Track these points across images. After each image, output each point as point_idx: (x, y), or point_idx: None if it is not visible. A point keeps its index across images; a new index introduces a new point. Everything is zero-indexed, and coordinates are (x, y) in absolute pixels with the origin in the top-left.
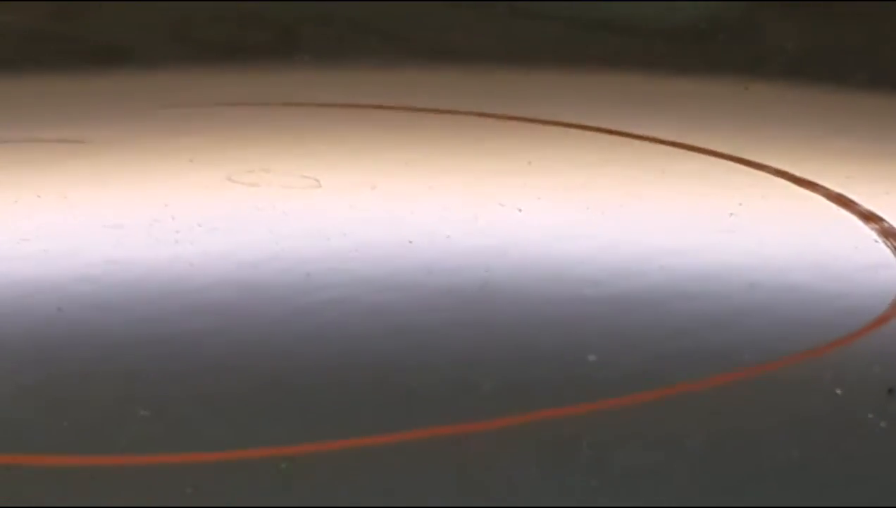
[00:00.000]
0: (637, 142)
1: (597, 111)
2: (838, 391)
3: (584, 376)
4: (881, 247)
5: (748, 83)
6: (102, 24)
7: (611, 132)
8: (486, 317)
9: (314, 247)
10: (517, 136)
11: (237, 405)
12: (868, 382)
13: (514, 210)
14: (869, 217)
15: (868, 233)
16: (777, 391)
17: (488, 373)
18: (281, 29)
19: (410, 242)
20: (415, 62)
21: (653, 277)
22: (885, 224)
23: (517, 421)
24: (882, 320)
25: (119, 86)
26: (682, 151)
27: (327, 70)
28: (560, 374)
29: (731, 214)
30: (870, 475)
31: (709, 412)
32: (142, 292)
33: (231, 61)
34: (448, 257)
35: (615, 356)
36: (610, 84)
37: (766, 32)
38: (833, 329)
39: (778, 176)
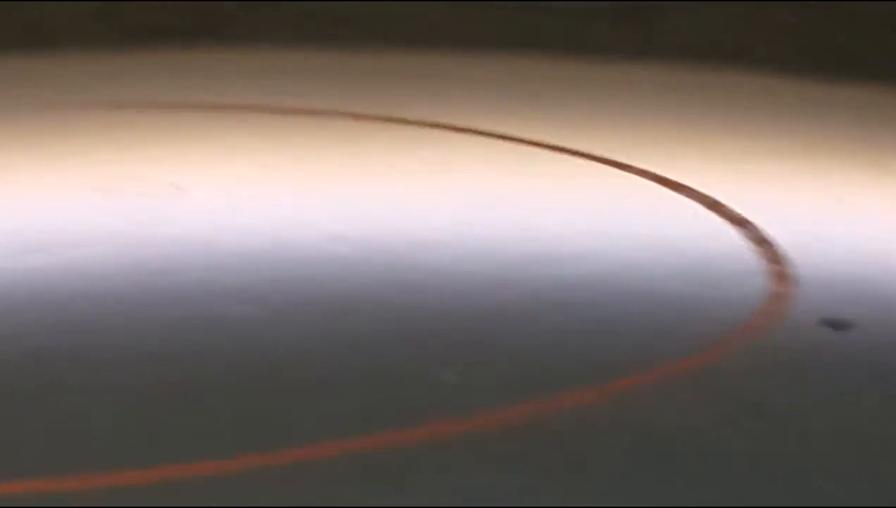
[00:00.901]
0: (506, 143)
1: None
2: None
3: (439, 394)
4: (749, 253)
5: None
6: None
7: (481, 133)
8: (339, 332)
9: (169, 258)
10: (381, 137)
11: (68, 427)
12: (725, 395)
13: (372, 218)
14: (740, 222)
15: (737, 239)
16: (628, 407)
17: (340, 393)
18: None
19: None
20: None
21: (515, 288)
22: (755, 229)
23: (361, 445)
24: (746, 330)
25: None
26: (548, 153)
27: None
28: (408, 391)
29: (597, 218)
30: (720, 493)
31: (563, 431)
32: None
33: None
34: (302, 266)
35: (471, 372)
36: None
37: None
38: (695, 340)
39: (650, 179)
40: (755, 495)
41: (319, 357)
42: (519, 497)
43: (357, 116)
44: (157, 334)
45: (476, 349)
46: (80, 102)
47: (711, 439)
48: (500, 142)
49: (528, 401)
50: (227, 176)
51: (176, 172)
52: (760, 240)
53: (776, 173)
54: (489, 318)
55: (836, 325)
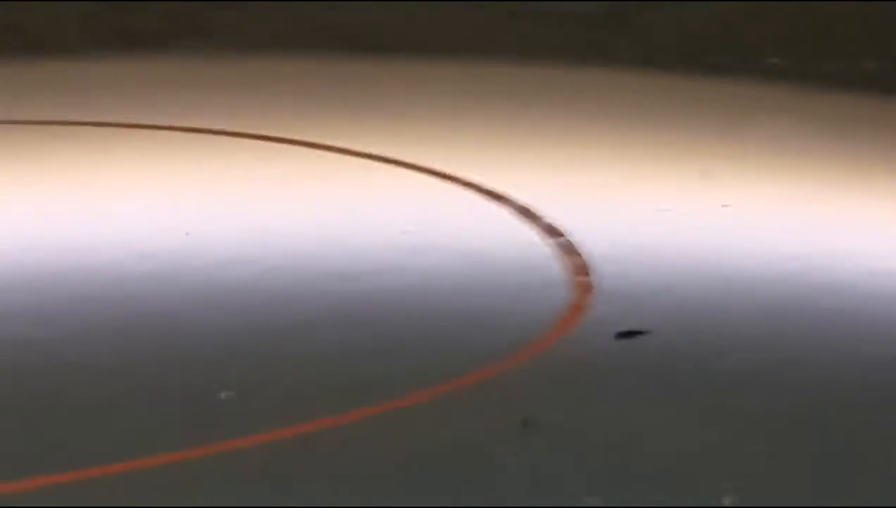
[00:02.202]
0: (323, 154)
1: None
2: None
3: (216, 415)
4: (554, 264)
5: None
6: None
7: (295, 142)
8: (129, 352)
9: None
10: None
11: None
12: (504, 411)
13: (181, 234)
14: (550, 232)
15: (545, 250)
16: (408, 425)
17: (122, 414)
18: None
19: None
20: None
21: (311, 303)
22: (564, 239)
23: (142, 464)
24: (535, 344)
25: None
26: (369, 163)
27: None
28: (189, 413)
29: (405, 232)
30: None
31: (333, 448)
32: None
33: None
34: (107, 285)
35: (253, 392)
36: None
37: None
38: (484, 355)
39: (467, 188)
40: None
41: (104, 378)
42: None
43: (188, 130)
44: None
45: (257, 368)
46: None
47: (483, 455)
48: (314, 151)
49: (305, 419)
50: (41, 193)
51: None
52: (568, 250)
53: (597, 182)
54: (276, 335)
55: (629, 336)
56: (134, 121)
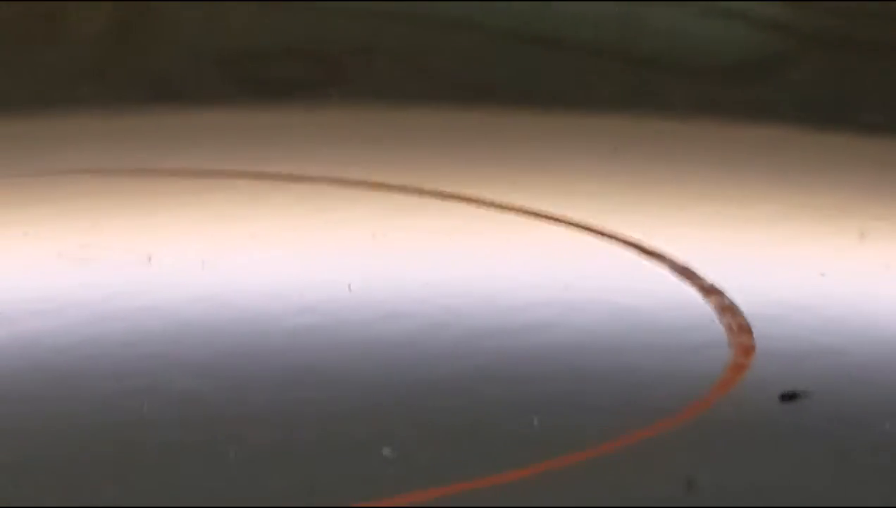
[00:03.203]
0: (485, 210)
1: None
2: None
3: (377, 471)
4: (715, 324)
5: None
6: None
7: (460, 198)
8: (293, 407)
9: (132, 331)
10: (369, 203)
11: (25, 499)
12: (668, 475)
13: (344, 287)
14: (710, 291)
15: (705, 309)
16: (572, 485)
17: (278, 468)
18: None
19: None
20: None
21: (469, 360)
22: (725, 299)
23: None
24: (698, 405)
25: None
26: (529, 220)
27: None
28: (355, 468)
29: (565, 288)
30: None
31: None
32: None
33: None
34: (269, 338)
35: (414, 449)
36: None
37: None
38: (647, 416)
39: (626, 246)
40: None
41: (261, 432)
42: None
43: (343, 182)
44: (101, 407)
45: (418, 424)
46: (61, 167)
47: None
48: (477, 208)
49: (464, 478)
50: (207, 246)
51: (155, 243)
52: (728, 309)
53: (754, 240)
54: (435, 391)
55: (792, 398)
56: (283, 171)
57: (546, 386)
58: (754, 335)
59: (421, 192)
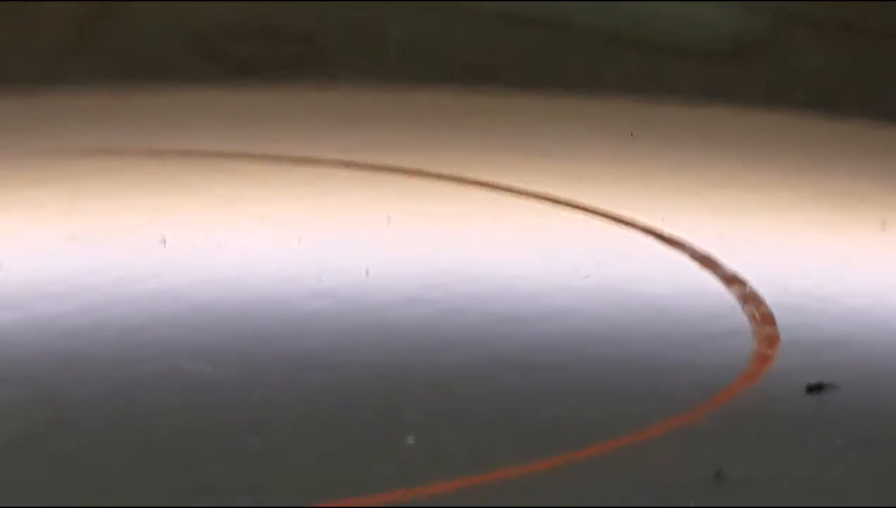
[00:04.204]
0: (502, 196)
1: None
2: None
3: (400, 459)
4: (738, 313)
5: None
6: None
7: (477, 183)
8: (305, 394)
9: (143, 314)
10: (381, 187)
11: (32, 485)
12: (695, 465)
13: (361, 271)
14: (731, 280)
15: (727, 298)
16: (595, 476)
17: (300, 457)
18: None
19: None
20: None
21: (490, 347)
22: (747, 288)
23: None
24: (723, 395)
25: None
26: (547, 207)
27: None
28: (373, 457)
29: (586, 276)
30: None
31: (523, 500)
32: None
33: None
34: (284, 323)
35: (433, 437)
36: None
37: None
38: (670, 406)
39: (646, 233)
40: None
41: (279, 419)
42: None
43: (355, 165)
44: (113, 393)
45: (436, 411)
46: (74, 147)
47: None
48: (494, 193)
49: (489, 467)
50: (219, 228)
51: (167, 225)
52: (751, 298)
53: (777, 227)
54: (455, 378)
55: (818, 389)
56: (297, 154)
57: (566, 374)
58: (777, 325)
59: (435, 176)
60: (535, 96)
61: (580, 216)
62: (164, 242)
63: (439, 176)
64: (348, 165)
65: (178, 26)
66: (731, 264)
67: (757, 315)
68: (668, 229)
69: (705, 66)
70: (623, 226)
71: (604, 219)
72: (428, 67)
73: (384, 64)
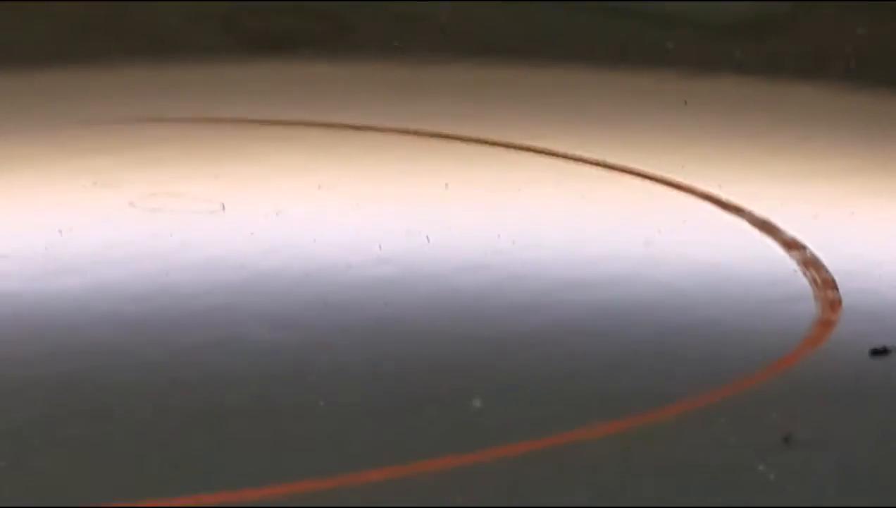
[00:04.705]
0: (560, 162)
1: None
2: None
3: (464, 425)
4: (799, 278)
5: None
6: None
7: (534, 151)
8: (374, 358)
9: (206, 280)
10: (438, 155)
11: (101, 451)
12: (763, 428)
13: (422, 238)
14: (792, 245)
15: (788, 263)
16: (664, 440)
17: (368, 422)
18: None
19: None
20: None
21: (552, 313)
22: (808, 253)
23: (394, 474)
24: (788, 359)
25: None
26: (605, 173)
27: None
28: (443, 421)
29: (647, 243)
30: None
31: (593, 464)
32: (18, 329)
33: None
34: (347, 289)
35: (501, 401)
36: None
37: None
38: (736, 370)
39: (704, 200)
40: None
41: (346, 385)
42: None
43: (412, 133)
44: (180, 359)
45: (502, 378)
46: (125, 116)
47: (737, 471)
48: (552, 160)
49: (553, 432)
50: (279, 196)
51: (226, 192)
52: (812, 264)
53: (834, 194)
54: (518, 343)
55: (883, 352)
56: (358, 122)
57: (630, 339)
58: (840, 290)
59: (492, 144)
60: (585, 71)
61: (638, 183)
62: (224, 207)
63: (496, 143)
64: (405, 133)
65: (212, 6)
66: (790, 229)
67: (818, 280)
68: (725, 196)
69: (753, 41)
70: (681, 192)
71: (662, 185)
72: (482, 42)
73: (436, 39)
